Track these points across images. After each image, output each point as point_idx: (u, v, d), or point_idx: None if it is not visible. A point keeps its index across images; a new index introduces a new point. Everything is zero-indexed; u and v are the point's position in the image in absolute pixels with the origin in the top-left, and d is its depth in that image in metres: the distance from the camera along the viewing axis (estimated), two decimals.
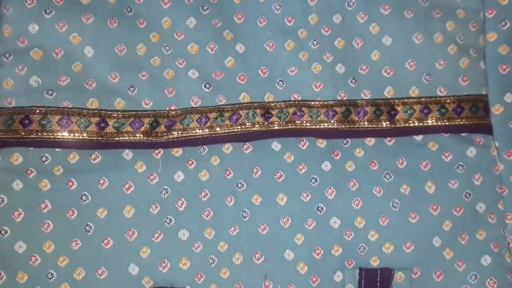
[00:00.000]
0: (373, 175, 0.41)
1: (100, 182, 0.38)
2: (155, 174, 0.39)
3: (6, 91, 0.38)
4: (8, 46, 0.38)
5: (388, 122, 0.42)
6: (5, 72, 0.38)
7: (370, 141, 0.42)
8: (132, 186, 0.38)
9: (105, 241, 0.37)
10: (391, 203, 0.40)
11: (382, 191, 0.40)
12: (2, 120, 0.37)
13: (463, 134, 0.42)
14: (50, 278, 0.37)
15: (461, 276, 0.41)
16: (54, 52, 0.38)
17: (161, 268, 0.38)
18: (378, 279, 0.39)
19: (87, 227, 0.37)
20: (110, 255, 0.37)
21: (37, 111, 0.38)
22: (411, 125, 0.42)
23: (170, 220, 0.39)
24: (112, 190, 0.38)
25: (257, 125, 0.41)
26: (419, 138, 0.42)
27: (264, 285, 0.39)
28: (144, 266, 0.38)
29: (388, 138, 0.42)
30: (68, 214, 0.37)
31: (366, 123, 0.42)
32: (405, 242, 0.40)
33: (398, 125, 0.42)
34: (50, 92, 0.38)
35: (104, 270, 0.37)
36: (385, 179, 0.41)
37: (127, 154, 0.39)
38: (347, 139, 0.42)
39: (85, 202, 0.38)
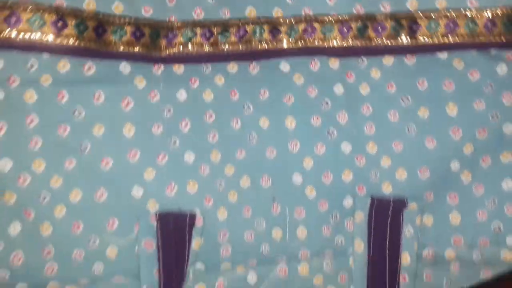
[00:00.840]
0: (389, 99, 0.38)
1: (95, 96, 0.34)
2: (156, 91, 0.36)
3: None
4: None
5: (409, 38, 0.39)
6: None
7: (389, 61, 0.39)
8: (131, 102, 0.35)
9: (104, 161, 0.34)
10: (407, 127, 0.38)
11: (397, 115, 0.38)
12: None
13: (493, 51, 0.39)
14: (43, 200, 0.33)
15: (478, 201, 0.38)
16: None
17: (168, 191, 0.35)
18: (391, 209, 0.38)
19: (82, 146, 0.34)
20: (110, 176, 0.34)
21: (28, 8, 0.33)
22: (435, 41, 0.39)
23: (175, 142, 0.36)
24: (109, 106, 0.34)
25: (265, 43, 0.38)
26: (443, 56, 0.39)
27: (272, 207, 0.37)
28: (149, 189, 0.35)
29: (408, 57, 0.39)
30: (59, 131, 0.33)
31: (384, 39, 0.39)
32: (419, 168, 0.38)
33: (420, 42, 0.39)
34: None
35: (103, 192, 0.34)
36: (402, 102, 0.38)
37: (125, 66, 0.35)
38: (363, 59, 0.38)
39: (78, 117, 0.34)
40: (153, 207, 0.35)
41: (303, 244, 0.38)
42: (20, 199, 0.33)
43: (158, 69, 0.36)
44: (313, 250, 0.38)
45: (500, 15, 0.39)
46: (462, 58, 0.39)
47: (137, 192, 0.35)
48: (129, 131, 0.35)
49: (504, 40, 0.39)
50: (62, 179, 0.34)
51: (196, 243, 0.35)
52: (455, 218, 0.38)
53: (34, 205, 0.33)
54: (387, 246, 0.38)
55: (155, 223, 0.35)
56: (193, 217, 0.35)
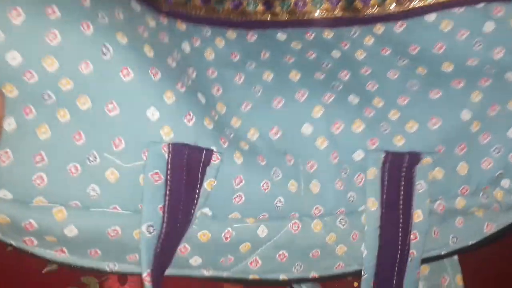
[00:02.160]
0: (385, 60, 0.38)
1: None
2: (165, 34, 0.35)
3: None
4: None
5: (395, 4, 0.39)
6: None
7: (379, 29, 0.39)
8: (146, 32, 0.33)
9: (125, 71, 0.30)
10: (408, 83, 0.37)
11: (397, 74, 0.38)
12: None
13: (480, 6, 0.38)
14: (47, 99, 0.29)
15: (484, 149, 0.37)
16: None
17: (186, 121, 0.32)
18: (405, 164, 0.36)
19: (104, 49, 0.29)
20: (125, 89, 0.30)
21: None
22: (421, 4, 0.39)
23: (188, 80, 0.34)
24: (128, 23, 0.32)
25: (259, 15, 0.39)
26: (430, 18, 0.39)
27: (286, 158, 0.35)
28: (167, 113, 0.31)
29: (398, 24, 0.39)
30: (82, 28, 0.29)
31: (372, 8, 0.39)
32: (430, 119, 0.36)
33: (407, 7, 0.39)
34: None
35: (115, 105, 0.30)
36: (399, 62, 0.38)
37: (135, 5, 0.34)
38: (355, 29, 0.39)
39: (102, 21, 0.29)
40: (167, 135, 0.31)
41: (316, 199, 0.35)
42: (22, 94, 0.29)
43: (164, 20, 0.35)
44: (327, 207, 0.35)
45: None
46: (450, 19, 0.39)
47: (153, 114, 0.31)
48: (149, 51, 0.32)
49: None
50: (73, 82, 0.29)
51: (209, 183, 0.32)
52: (463, 168, 0.37)
53: (34, 103, 0.29)
54: (400, 203, 0.36)
55: (166, 153, 0.31)
56: (209, 153, 0.32)
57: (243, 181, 0.33)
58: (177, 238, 0.32)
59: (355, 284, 0.41)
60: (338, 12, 0.40)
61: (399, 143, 0.36)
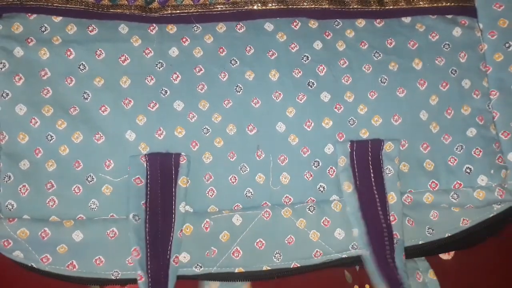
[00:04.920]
0: (362, 54, 0.42)
1: (97, 52, 0.40)
2: (150, 48, 0.41)
3: None
4: None
5: (377, 4, 0.44)
6: None
7: (361, 23, 0.43)
8: (128, 59, 0.40)
9: (102, 108, 0.39)
10: (380, 78, 0.42)
11: (371, 68, 0.42)
12: None
13: (449, 16, 0.44)
14: (50, 140, 0.38)
15: (448, 148, 0.42)
16: None
17: (157, 135, 0.39)
18: (369, 150, 0.40)
19: (85, 95, 0.39)
20: (107, 121, 0.39)
21: None
22: (400, 6, 0.44)
23: (166, 92, 0.40)
24: (109, 61, 0.40)
25: (250, 5, 0.42)
26: (407, 20, 0.44)
27: (256, 154, 0.40)
28: (141, 133, 0.39)
29: (378, 20, 0.43)
30: (66, 82, 0.39)
31: (355, 4, 0.44)
32: (393, 115, 0.41)
33: (387, 7, 0.44)
34: None
35: (101, 135, 0.39)
36: (374, 57, 0.42)
37: (123, 28, 0.41)
38: (338, 21, 0.43)
39: (83, 71, 0.39)
40: (144, 149, 0.39)
41: (286, 190, 0.40)
42: (31, 139, 0.38)
43: (153, 30, 0.41)
44: (296, 196, 0.40)
45: None
46: (423, 22, 0.44)
47: (130, 136, 0.39)
48: (124, 82, 0.40)
49: (457, 5, 0.44)
50: (67, 122, 0.39)
51: (182, 180, 0.38)
52: (429, 165, 0.41)
53: (42, 145, 0.38)
54: (373, 185, 0.40)
55: (144, 162, 0.38)
56: (178, 156, 0.39)
57: (212, 177, 0.39)
58: (163, 228, 0.38)
59: (356, 287, 0.44)
60: (325, 4, 0.43)
61: (364, 136, 0.41)
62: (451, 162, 0.41)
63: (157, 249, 0.37)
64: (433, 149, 0.41)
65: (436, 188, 0.41)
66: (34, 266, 0.37)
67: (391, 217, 0.39)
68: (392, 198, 0.39)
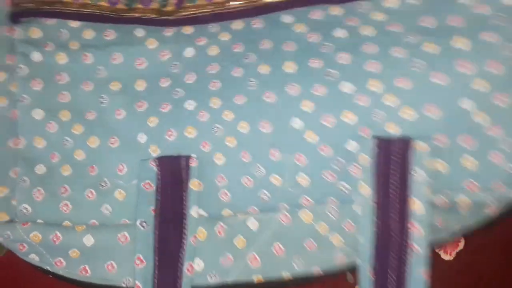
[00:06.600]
0: (392, 37, 0.37)
1: (113, 57, 0.40)
2: (166, 51, 0.40)
3: None
4: None
5: None
6: None
7: (392, 2, 0.38)
8: (144, 62, 0.40)
9: (118, 112, 0.39)
10: (412, 63, 0.36)
11: (402, 51, 0.36)
12: None
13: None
14: (66, 144, 0.38)
15: (493, 142, 0.35)
16: None
17: (167, 137, 0.38)
18: (396, 149, 0.35)
19: (101, 99, 0.39)
20: (121, 125, 0.38)
21: None
22: None
23: (178, 92, 0.39)
24: (125, 65, 0.40)
25: None
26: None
27: (271, 153, 0.37)
28: (151, 135, 0.38)
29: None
30: (83, 86, 0.39)
31: None
32: (426, 105, 0.35)
33: None
34: None
35: (116, 139, 0.38)
36: (406, 39, 0.37)
37: (139, 31, 0.41)
38: (362, 3, 0.39)
39: (99, 75, 0.39)
40: (154, 152, 0.38)
41: (304, 191, 0.36)
42: (48, 144, 0.38)
43: (168, 32, 0.41)
44: (315, 198, 0.36)
45: None
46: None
47: (141, 138, 0.38)
48: (140, 86, 0.39)
49: None
50: (84, 127, 0.39)
51: (193, 183, 0.37)
52: (468, 161, 0.35)
53: (58, 149, 0.38)
54: (394, 189, 0.35)
55: (155, 167, 0.37)
56: (188, 159, 0.37)
57: (225, 179, 0.37)
58: (174, 233, 0.36)
59: (357, 287, 0.39)
60: None
61: (392, 131, 0.36)
62: (494, 159, 0.35)
63: (166, 257, 0.35)
64: (475, 142, 0.35)
65: (474, 189, 0.35)
66: (49, 269, 0.37)
67: (409, 225, 0.34)
68: (417, 206, 0.34)
